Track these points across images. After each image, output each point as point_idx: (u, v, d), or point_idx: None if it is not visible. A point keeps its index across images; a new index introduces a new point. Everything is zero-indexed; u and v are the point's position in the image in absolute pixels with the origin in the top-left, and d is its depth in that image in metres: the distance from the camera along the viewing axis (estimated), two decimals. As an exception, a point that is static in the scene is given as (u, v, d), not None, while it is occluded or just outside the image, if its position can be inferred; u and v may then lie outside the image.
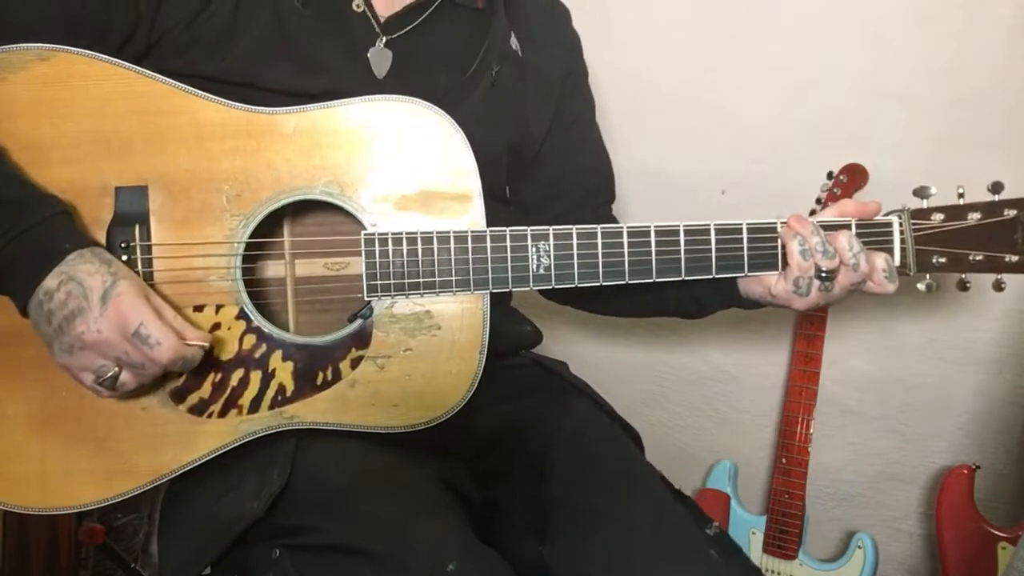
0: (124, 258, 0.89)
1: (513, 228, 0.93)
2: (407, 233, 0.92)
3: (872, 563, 1.64)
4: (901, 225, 0.97)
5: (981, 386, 1.65)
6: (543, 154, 1.16)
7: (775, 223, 0.96)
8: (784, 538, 1.66)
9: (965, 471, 1.56)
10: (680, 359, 1.86)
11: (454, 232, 0.92)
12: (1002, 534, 1.51)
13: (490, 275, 0.93)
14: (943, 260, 0.97)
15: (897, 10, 1.58)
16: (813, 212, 1.60)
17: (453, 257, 0.92)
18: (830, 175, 1.60)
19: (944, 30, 1.56)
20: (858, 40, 1.61)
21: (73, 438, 0.91)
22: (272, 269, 0.98)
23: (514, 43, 1.09)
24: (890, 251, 0.97)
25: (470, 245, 0.92)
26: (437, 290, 0.92)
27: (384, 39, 1.02)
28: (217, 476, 0.93)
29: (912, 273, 0.98)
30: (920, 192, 0.97)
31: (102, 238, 0.89)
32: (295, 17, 0.98)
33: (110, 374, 0.83)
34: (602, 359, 1.88)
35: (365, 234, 0.92)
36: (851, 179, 1.58)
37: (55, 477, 0.91)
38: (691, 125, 1.73)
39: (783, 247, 0.95)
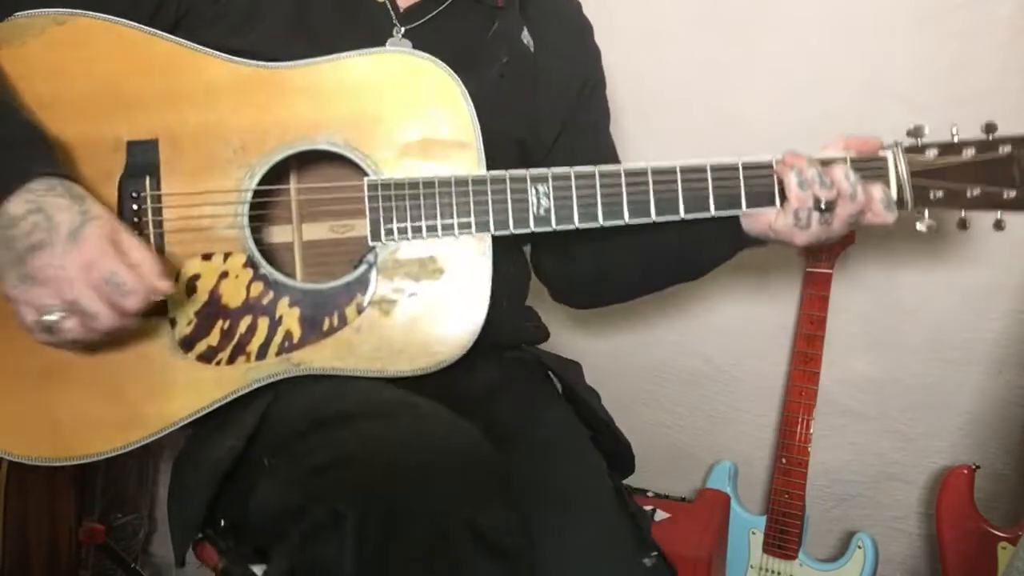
0: (135, 207, 0.92)
1: (512, 171, 0.95)
2: (409, 179, 0.94)
3: (872, 563, 1.64)
4: (895, 160, 0.99)
5: (981, 386, 1.65)
6: (556, 162, 1.17)
7: (770, 160, 0.98)
8: (784, 538, 1.66)
9: (965, 471, 1.56)
10: (680, 359, 1.86)
11: (455, 176, 0.94)
12: (1002, 534, 1.51)
13: (491, 216, 0.95)
14: (940, 195, 0.97)
15: (897, 10, 1.58)
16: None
17: (455, 200, 0.94)
18: (830, 175, 1.60)
19: (944, 30, 1.56)
20: (858, 40, 1.61)
21: (84, 388, 0.92)
22: (280, 235, 1.01)
23: (526, 38, 1.11)
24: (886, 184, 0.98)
25: (471, 188, 0.94)
26: (440, 233, 0.94)
27: (402, 29, 1.04)
28: (214, 429, 0.95)
29: (909, 208, 0.99)
30: (914, 132, 0.99)
31: (114, 190, 0.92)
32: (317, 1, 1.01)
33: (54, 316, 0.81)
34: (602, 359, 1.88)
35: (368, 180, 0.94)
36: (851, 179, 1.58)
37: (66, 427, 0.92)
38: (691, 125, 1.73)
39: (780, 183, 0.97)
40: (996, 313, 1.61)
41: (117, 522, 1.97)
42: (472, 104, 0.95)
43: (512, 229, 0.95)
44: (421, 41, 1.04)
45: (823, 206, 0.95)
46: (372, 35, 1.03)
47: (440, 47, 1.04)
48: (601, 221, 0.96)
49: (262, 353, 0.94)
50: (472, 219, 0.94)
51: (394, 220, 0.94)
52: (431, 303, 0.95)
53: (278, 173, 0.96)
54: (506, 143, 1.08)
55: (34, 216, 0.80)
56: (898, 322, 1.68)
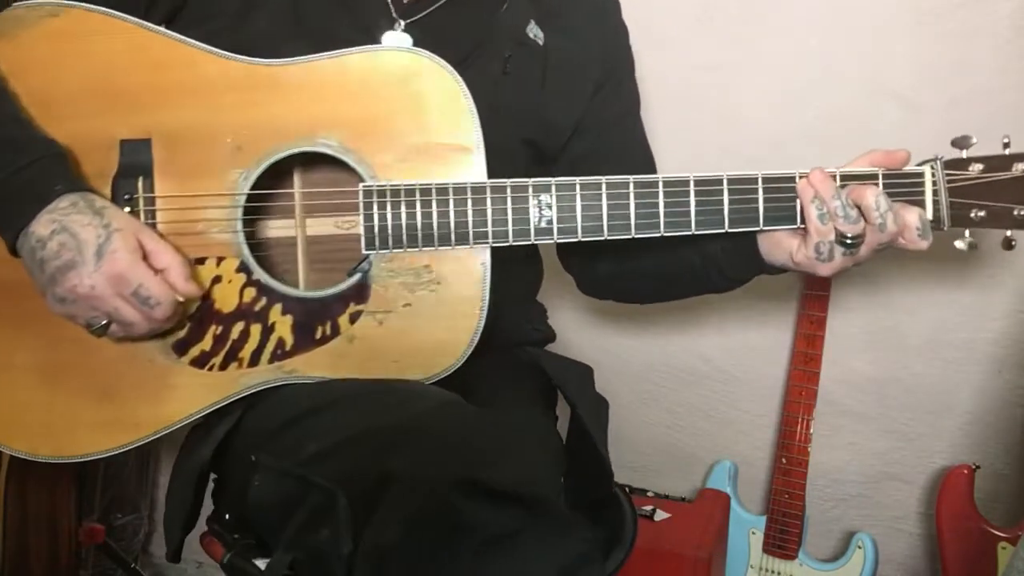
0: (127, 209, 0.90)
1: (514, 180, 0.91)
2: (405, 185, 0.90)
3: (872, 563, 1.64)
4: (934, 176, 0.90)
5: (981, 386, 1.65)
6: (576, 160, 1.12)
7: (794, 175, 0.90)
8: (784, 538, 1.66)
9: (965, 471, 1.56)
10: (680, 359, 1.86)
11: (453, 184, 0.90)
12: (1002, 534, 1.51)
13: (490, 228, 0.91)
14: (982, 214, 0.89)
15: (897, 10, 1.58)
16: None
17: (452, 210, 0.90)
18: (830, 175, 1.60)
19: (944, 30, 1.56)
20: (858, 40, 1.61)
21: (79, 389, 0.92)
22: (283, 229, 0.99)
23: (533, 31, 1.05)
24: (921, 204, 0.90)
25: (469, 197, 0.90)
26: (436, 245, 0.91)
27: (403, 23, 1.00)
28: (203, 434, 0.96)
29: (946, 228, 0.91)
30: (960, 142, 0.90)
31: (107, 190, 0.91)
32: None
33: (99, 325, 0.84)
34: (602, 359, 1.88)
35: (363, 186, 0.91)
36: (851, 179, 1.58)
37: (61, 427, 0.93)
38: (691, 125, 1.73)
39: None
40: (996, 313, 1.61)
41: (117, 522, 1.97)
42: (475, 106, 0.91)
43: (511, 240, 0.91)
44: (421, 35, 1.00)
45: (848, 241, 0.88)
46: (369, 28, 0.99)
47: (441, 43, 0.99)
48: (607, 235, 0.91)
49: (254, 360, 0.93)
50: (470, 230, 0.91)
51: (389, 228, 0.90)
52: (426, 314, 0.92)
53: (280, 167, 0.94)
54: (514, 144, 1.05)
55: (59, 235, 0.82)
56: (898, 322, 1.68)
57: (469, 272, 0.92)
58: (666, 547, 1.53)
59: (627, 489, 1.77)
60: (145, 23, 0.92)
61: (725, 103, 1.70)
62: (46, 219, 0.82)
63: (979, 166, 0.89)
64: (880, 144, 1.61)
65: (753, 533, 1.71)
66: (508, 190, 0.91)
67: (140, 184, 0.91)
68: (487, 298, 0.92)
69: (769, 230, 0.93)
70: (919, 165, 0.92)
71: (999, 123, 1.54)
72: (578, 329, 1.87)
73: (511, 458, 0.77)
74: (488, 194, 0.91)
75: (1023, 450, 1.63)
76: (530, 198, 0.91)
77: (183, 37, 0.92)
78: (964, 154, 0.90)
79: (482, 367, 0.97)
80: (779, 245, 0.94)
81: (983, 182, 0.89)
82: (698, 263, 1.04)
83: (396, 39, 1.00)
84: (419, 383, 0.91)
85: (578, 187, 0.91)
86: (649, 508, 1.66)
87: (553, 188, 0.91)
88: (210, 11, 0.98)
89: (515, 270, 0.95)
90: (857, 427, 1.75)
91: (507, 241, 0.92)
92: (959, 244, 0.91)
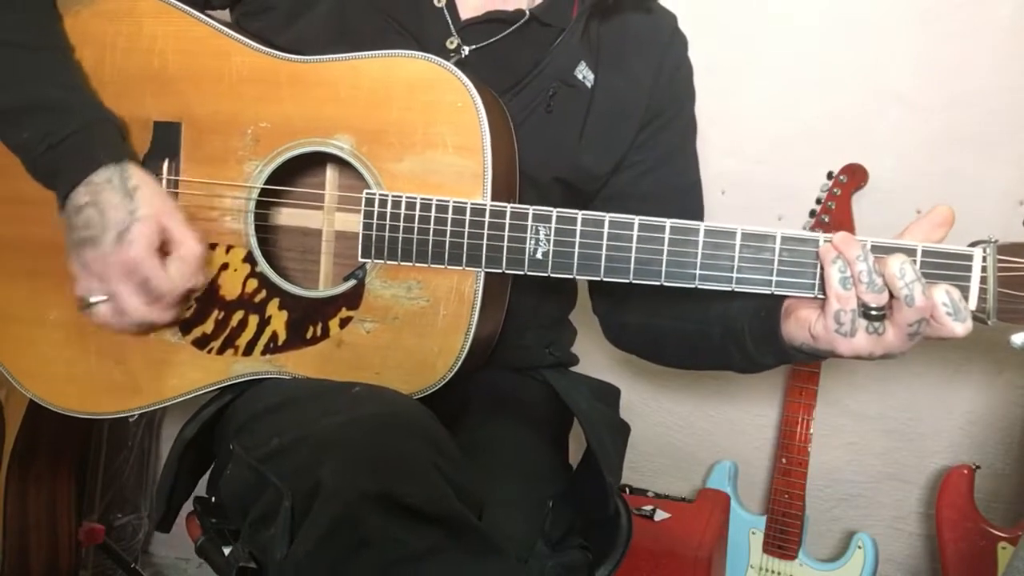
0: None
1: (515, 206, 0.87)
2: (407, 197, 0.89)
3: (872, 563, 1.64)
4: (984, 260, 0.76)
5: (981, 386, 1.65)
6: (612, 198, 1.09)
7: (817, 237, 0.80)
8: (784, 538, 1.66)
9: (965, 471, 1.56)
10: (680, 359, 1.86)
11: (453, 202, 0.88)
12: (1002, 534, 1.51)
13: (484, 253, 0.88)
14: None
15: (897, 10, 1.58)
16: (813, 213, 1.61)
17: (449, 228, 0.88)
18: (830, 175, 1.60)
19: (944, 30, 1.56)
20: (858, 40, 1.61)
21: (97, 351, 0.97)
22: (313, 220, 1.00)
23: (582, 73, 1.03)
24: (965, 293, 0.78)
25: (468, 218, 0.88)
26: (429, 262, 0.89)
27: (456, 40, 0.99)
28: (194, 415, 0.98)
29: (990, 322, 0.78)
30: None
31: None
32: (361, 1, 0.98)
33: (94, 299, 0.87)
34: (602, 359, 1.88)
35: (366, 193, 0.90)
36: (851, 179, 1.58)
37: (81, 383, 0.98)
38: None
39: (823, 270, 0.79)
40: (996, 313, 1.61)
41: (117, 522, 1.97)
42: (488, 123, 0.88)
43: (504, 269, 0.88)
44: (476, 59, 0.99)
45: (872, 312, 0.76)
46: (423, 42, 0.98)
47: (494, 68, 0.99)
48: (603, 276, 0.86)
49: (249, 349, 0.95)
50: (464, 252, 0.88)
51: (385, 239, 0.90)
52: (412, 331, 0.91)
53: (314, 157, 0.94)
54: (548, 180, 1.03)
55: (89, 209, 0.85)
56: (898, 322, 1.68)
57: (461, 295, 0.90)
58: (666, 547, 1.53)
59: (627, 489, 1.77)
60: (192, 11, 0.95)
61: (725, 103, 1.70)
62: (83, 189, 0.86)
63: None
64: (880, 145, 1.62)
65: (753, 533, 1.71)
66: (507, 215, 0.87)
67: (165, 166, 0.95)
68: (474, 325, 0.90)
69: (783, 294, 0.83)
70: (971, 245, 0.78)
71: (999, 123, 1.55)
72: (579, 331, 1.87)
73: (431, 472, 0.73)
74: (486, 217, 0.88)
75: (1023, 450, 1.64)
76: (529, 226, 0.87)
77: (221, 26, 0.95)
78: None
79: (486, 385, 0.95)
80: (797, 318, 0.84)
81: None
82: (717, 335, 0.96)
83: (453, 51, 1.00)
84: (384, 388, 0.89)
85: (579, 221, 0.86)
86: (649, 508, 1.66)
87: (553, 219, 0.87)
88: (265, 6, 1.00)
89: (549, 292, 0.92)
90: (857, 427, 1.75)
91: (500, 268, 0.88)
92: (1016, 340, 0.78)
